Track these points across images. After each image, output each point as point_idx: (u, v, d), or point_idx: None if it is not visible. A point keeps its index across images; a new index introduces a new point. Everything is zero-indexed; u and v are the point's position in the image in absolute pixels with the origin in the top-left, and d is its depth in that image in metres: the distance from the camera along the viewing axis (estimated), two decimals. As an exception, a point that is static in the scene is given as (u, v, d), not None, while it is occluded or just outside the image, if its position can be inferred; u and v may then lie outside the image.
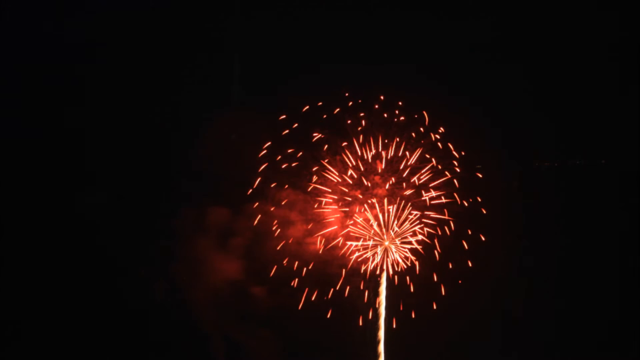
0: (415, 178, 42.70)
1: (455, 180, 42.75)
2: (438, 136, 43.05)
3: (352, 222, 42.71)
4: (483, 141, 45.40)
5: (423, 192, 42.57)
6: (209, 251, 45.76)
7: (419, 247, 42.52)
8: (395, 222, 42.47)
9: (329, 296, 43.65)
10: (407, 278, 42.96)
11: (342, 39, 47.93)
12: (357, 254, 42.71)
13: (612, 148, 49.50)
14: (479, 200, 43.19)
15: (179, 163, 47.76)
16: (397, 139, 42.82)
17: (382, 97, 43.37)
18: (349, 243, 42.68)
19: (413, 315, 43.49)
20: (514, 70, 48.31)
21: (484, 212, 43.32)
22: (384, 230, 42.41)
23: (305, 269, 43.67)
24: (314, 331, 45.01)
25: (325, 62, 47.49)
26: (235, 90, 49.87)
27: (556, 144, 49.70)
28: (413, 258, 42.50)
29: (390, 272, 42.83)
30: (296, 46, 48.57)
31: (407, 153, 42.77)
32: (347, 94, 43.58)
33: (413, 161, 42.72)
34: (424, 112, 43.22)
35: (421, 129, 43.17)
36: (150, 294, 45.98)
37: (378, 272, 43.15)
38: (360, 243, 42.50)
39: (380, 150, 42.88)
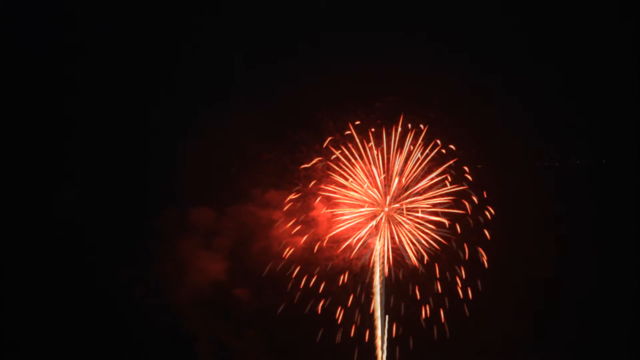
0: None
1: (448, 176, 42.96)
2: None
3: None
4: (484, 141, 45.45)
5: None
6: (196, 252, 45.73)
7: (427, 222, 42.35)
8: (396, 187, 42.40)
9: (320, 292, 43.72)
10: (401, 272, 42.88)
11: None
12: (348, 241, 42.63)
13: (612, 148, 49.74)
14: (476, 201, 43.26)
15: (165, 163, 47.54)
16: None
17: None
18: (344, 213, 42.60)
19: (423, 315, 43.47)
20: (514, 70, 48.34)
21: (487, 212, 43.44)
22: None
23: (295, 267, 43.75)
24: (304, 331, 45.03)
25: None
26: (234, 91, 49.58)
27: (556, 144, 49.95)
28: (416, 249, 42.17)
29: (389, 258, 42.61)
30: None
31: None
32: None
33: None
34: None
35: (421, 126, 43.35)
36: (134, 295, 45.70)
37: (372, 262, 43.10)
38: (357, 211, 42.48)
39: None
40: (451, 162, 43.14)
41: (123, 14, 48.07)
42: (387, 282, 43.70)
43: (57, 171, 47.65)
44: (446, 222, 42.47)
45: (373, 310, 44.13)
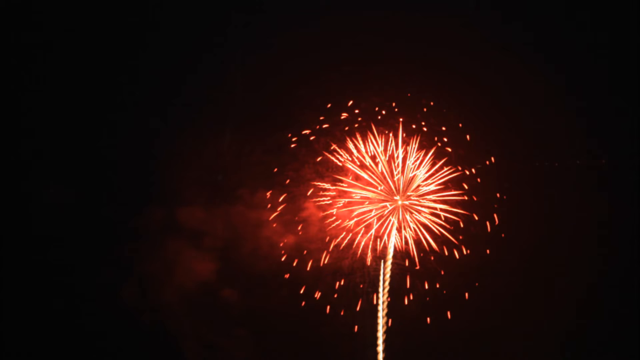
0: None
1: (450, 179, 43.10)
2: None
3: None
4: (485, 141, 45.50)
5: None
6: (186, 252, 45.81)
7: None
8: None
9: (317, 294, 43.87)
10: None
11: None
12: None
13: (612, 148, 49.72)
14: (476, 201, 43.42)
15: (159, 162, 47.43)
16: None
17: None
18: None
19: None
20: (515, 70, 48.28)
21: (487, 212, 43.59)
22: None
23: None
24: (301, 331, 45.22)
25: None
26: (227, 89, 49.45)
27: (555, 144, 49.90)
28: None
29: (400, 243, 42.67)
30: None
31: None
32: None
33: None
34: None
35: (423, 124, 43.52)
36: (123, 296, 45.57)
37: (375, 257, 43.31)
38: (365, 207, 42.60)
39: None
40: (451, 162, 43.28)
41: (119, 11, 47.99)
42: (388, 281, 43.87)
43: (54, 171, 47.70)
44: (446, 222, 42.66)
45: (373, 309, 44.32)
